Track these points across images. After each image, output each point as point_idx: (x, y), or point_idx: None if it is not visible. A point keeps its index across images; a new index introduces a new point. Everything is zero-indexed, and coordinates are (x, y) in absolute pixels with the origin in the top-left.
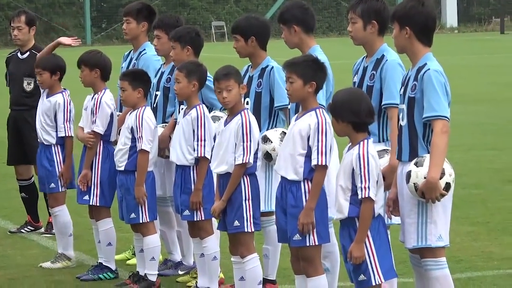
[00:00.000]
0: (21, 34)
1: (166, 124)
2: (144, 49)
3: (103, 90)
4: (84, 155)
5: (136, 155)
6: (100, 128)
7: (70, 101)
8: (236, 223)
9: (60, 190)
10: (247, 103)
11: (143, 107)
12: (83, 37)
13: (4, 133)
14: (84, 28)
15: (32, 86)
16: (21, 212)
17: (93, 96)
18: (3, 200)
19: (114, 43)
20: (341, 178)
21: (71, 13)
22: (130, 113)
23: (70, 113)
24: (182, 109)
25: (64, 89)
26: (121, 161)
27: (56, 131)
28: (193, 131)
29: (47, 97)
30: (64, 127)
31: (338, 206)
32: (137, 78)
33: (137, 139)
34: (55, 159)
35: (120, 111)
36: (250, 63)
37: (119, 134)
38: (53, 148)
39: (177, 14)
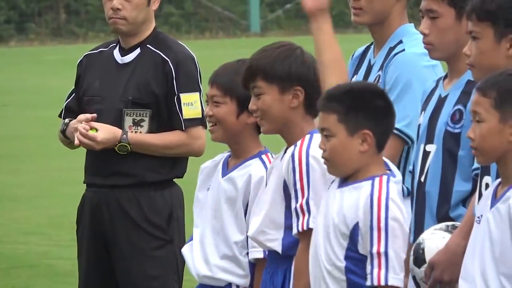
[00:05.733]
0: (130, 8)
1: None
2: (400, 41)
3: (308, 136)
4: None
5: None
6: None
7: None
8: None
9: None
10: None
11: None
12: (244, 18)
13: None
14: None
15: (146, 128)
16: None
17: (285, 151)
18: None
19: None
20: None
21: None
22: None
23: None
24: None
25: (265, 147)
26: None
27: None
28: None
29: (224, 171)
30: None
31: None
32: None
33: None
34: None
35: None
36: None
37: None
38: None
39: None
